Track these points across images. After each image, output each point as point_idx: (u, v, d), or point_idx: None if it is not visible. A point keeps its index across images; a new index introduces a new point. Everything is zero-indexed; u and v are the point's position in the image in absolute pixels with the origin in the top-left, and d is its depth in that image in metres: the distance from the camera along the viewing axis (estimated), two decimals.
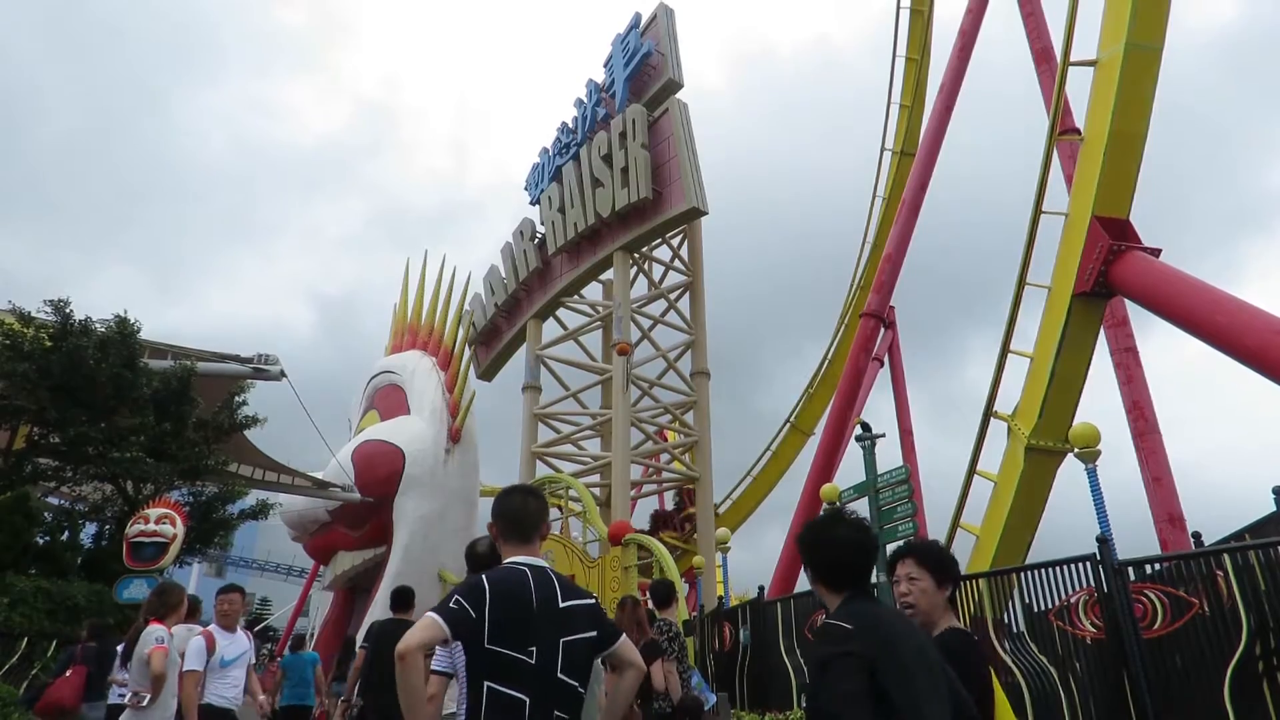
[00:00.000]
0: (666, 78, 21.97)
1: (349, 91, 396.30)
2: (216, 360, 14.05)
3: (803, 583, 13.86)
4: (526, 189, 26.72)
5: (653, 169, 20.77)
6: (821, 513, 4.01)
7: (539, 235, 25.17)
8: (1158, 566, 5.36)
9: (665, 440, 23.71)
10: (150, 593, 5.61)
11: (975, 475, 10.69)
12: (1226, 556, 4.73)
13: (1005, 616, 6.01)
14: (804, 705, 5.62)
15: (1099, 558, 5.20)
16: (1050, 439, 9.49)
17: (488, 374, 27.20)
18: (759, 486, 27.98)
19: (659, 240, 23.04)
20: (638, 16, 23.25)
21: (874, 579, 2.60)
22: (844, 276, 27.79)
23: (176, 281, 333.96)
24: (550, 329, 25.10)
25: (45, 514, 13.10)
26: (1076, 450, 6.80)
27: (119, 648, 5.50)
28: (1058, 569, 5.55)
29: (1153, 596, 4.98)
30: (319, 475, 17.45)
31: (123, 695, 5.17)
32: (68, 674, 6.60)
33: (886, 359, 25.51)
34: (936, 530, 17.14)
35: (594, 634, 2.31)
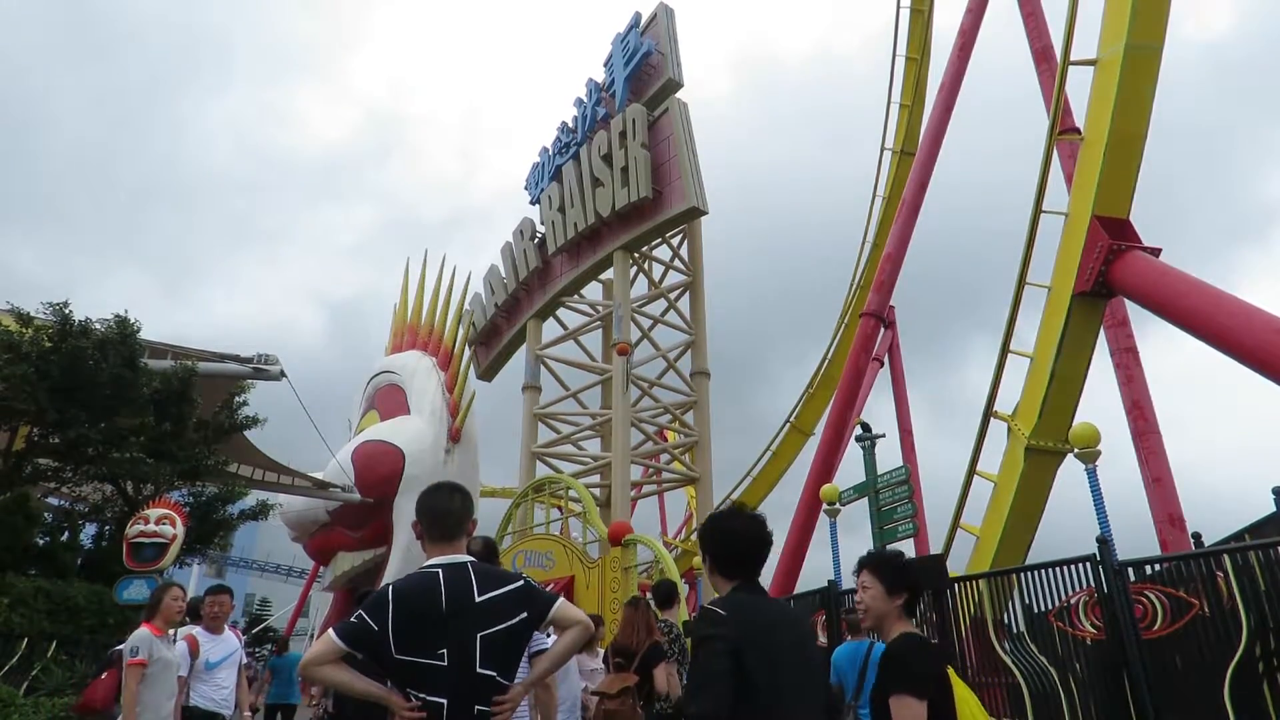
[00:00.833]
0: (666, 77, 21.99)
1: (358, 98, 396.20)
2: (216, 360, 14.05)
3: (803, 583, 13.86)
4: (526, 188, 26.74)
5: (653, 168, 20.78)
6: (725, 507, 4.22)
7: (539, 235, 25.18)
8: (1158, 567, 5.37)
9: (665, 440, 23.70)
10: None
11: (975, 475, 10.67)
12: (1226, 557, 4.74)
13: (1005, 617, 6.01)
14: None
15: (1099, 558, 5.21)
16: (1050, 439, 9.48)
17: (488, 374, 27.21)
18: (759, 487, 27.90)
19: (659, 240, 23.04)
20: (638, 16, 23.26)
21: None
22: (844, 277, 27.81)
23: (185, 286, 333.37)
24: (550, 329, 25.14)
25: (45, 515, 13.12)
26: (1076, 450, 6.80)
27: None
28: (1058, 569, 5.56)
29: (1153, 597, 4.98)
30: (319, 475, 17.47)
31: None
32: (103, 676, 6.61)
33: (886, 359, 25.48)
34: (936, 530, 17.15)
35: (523, 615, 2.30)
